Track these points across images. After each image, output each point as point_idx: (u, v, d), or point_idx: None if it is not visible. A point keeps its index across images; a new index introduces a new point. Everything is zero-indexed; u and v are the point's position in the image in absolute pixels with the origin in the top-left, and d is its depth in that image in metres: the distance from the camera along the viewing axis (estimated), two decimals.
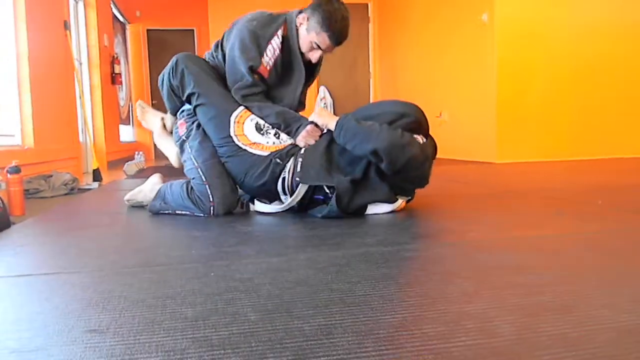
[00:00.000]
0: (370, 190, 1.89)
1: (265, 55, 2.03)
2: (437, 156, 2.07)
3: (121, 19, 7.96)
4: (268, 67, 2.04)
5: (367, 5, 7.47)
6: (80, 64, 5.58)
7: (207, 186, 2.00)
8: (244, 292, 1.03)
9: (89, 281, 1.16)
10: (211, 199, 2.00)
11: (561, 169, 3.88)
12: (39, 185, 3.14)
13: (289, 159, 1.96)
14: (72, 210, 2.46)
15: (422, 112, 1.99)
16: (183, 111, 2.16)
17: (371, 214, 1.93)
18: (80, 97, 4.90)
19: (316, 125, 2.01)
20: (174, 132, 2.20)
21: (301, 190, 1.94)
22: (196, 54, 8.30)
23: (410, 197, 2.04)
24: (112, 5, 7.10)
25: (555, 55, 4.77)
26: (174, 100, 2.16)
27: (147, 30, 8.65)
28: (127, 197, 2.32)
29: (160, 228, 1.88)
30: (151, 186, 2.27)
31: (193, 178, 2.05)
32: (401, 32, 6.75)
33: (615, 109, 4.93)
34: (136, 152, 5.46)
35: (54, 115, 4.20)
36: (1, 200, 2.04)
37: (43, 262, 1.41)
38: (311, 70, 2.20)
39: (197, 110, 2.07)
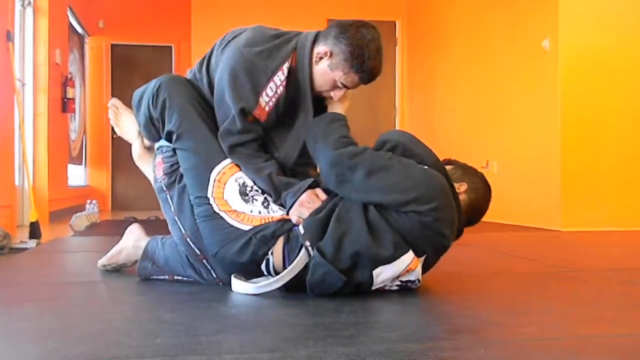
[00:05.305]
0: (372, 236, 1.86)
1: (264, 94, 1.99)
2: (482, 220, 2.08)
3: (79, 30, 8.19)
4: (267, 109, 2.01)
5: (394, 23, 7.65)
6: (24, 85, 5.72)
7: (204, 261, 2.03)
8: None
9: None
10: (214, 275, 2.05)
11: None
12: None
13: (276, 240, 1.92)
14: (1, 277, 2.47)
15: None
16: (162, 147, 2.16)
17: (381, 285, 1.90)
18: (20, 128, 4.99)
19: (317, 188, 1.99)
20: (151, 168, 2.22)
21: (302, 259, 1.88)
22: None
23: (426, 256, 1.96)
24: (69, 13, 7.31)
25: (637, 92, 4.83)
26: (152, 132, 2.18)
27: (112, 45, 8.87)
28: (102, 261, 2.35)
29: (117, 305, 1.88)
30: (133, 242, 2.29)
31: (183, 250, 2.07)
32: (438, 58, 6.90)
33: None
34: (88, 201, 5.50)
35: None
36: None
37: None
38: (321, 104, 2.18)
39: (177, 152, 2.09)
